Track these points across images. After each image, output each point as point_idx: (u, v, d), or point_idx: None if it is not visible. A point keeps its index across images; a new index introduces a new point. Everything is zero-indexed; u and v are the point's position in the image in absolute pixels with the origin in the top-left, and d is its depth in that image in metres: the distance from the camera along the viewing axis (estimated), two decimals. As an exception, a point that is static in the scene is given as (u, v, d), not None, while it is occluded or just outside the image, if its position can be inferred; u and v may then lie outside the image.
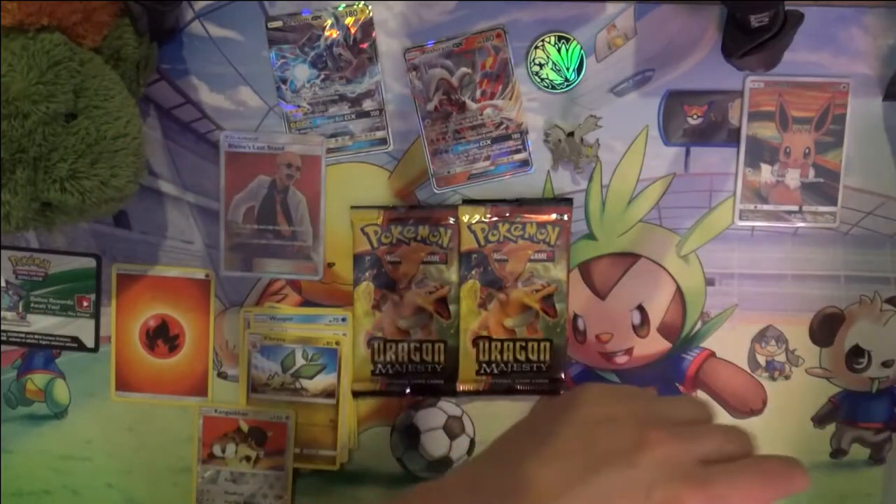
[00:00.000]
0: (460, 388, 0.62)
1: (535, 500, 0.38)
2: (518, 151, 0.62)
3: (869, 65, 0.60)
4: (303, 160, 0.62)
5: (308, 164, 0.62)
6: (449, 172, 0.62)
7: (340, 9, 0.61)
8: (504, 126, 0.61)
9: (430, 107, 0.61)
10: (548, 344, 0.62)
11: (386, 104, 0.62)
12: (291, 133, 0.62)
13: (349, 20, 0.61)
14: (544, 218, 0.61)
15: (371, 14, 0.60)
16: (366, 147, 0.62)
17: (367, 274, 0.62)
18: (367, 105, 0.62)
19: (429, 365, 0.62)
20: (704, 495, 0.38)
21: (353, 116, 0.62)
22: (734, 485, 0.38)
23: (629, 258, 0.63)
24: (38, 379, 0.66)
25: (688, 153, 0.62)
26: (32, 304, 0.65)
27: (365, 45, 0.61)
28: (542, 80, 0.61)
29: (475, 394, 0.62)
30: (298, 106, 0.62)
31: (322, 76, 0.61)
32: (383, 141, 0.62)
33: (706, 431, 0.42)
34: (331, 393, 0.63)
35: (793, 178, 0.61)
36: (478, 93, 0.61)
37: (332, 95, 0.62)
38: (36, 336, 0.65)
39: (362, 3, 0.60)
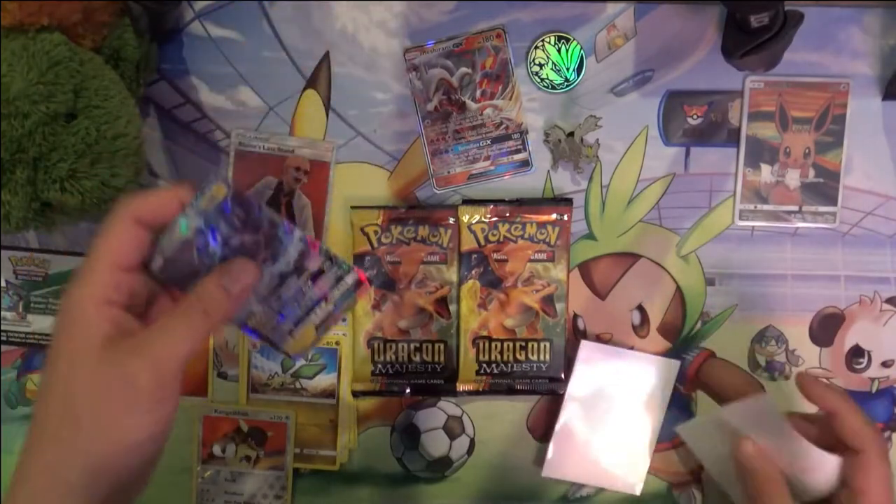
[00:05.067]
0: (460, 388, 0.62)
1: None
2: (518, 151, 0.62)
3: (869, 65, 0.60)
4: (311, 165, 0.62)
5: (316, 169, 0.62)
6: (449, 172, 0.62)
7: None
8: (504, 126, 0.61)
9: (430, 107, 0.61)
10: (548, 344, 0.62)
11: (386, 104, 0.62)
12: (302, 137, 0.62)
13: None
14: (544, 218, 0.61)
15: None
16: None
17: (367, 274, 0.62)
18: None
19: (429, 365, 0.62)
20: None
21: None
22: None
23: (629, 258, 0.63)
24: (38, 379, 0.66)
25: (688, 153, 0.62)
26: (32, 304, 0.65)
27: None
28: (542, 80, 0.61)
29: (475, 394, 0.62)
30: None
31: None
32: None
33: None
34: (331, 393, 0.63)
35: (793, 178, 0.61)
36: (478, 93, 0.61)
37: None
38: (36, 336, 0.65)
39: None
